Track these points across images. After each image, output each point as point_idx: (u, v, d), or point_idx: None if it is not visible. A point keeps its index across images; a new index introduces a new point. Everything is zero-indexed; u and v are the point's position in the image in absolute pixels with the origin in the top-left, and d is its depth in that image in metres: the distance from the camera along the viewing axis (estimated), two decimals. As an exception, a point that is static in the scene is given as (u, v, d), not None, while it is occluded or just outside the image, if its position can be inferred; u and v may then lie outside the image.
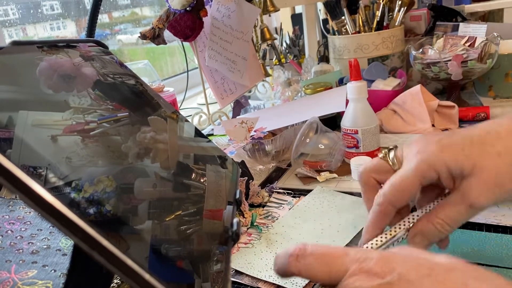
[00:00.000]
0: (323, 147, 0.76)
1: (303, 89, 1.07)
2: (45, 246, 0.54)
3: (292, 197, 0.71)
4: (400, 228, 0.39)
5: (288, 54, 1.45)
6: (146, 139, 0.39)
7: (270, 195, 0.72)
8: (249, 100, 1.26)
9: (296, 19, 1.66)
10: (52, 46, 0.38)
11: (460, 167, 0.36)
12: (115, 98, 0.41)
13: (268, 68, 1.23)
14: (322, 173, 0.76)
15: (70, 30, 1.36)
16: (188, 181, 0.41)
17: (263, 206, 0.69)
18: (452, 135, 0.38)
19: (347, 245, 0.55)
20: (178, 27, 0.91)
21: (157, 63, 1.66)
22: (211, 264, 0.36)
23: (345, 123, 0.78)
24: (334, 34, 1.17)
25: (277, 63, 1.33)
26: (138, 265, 0.23)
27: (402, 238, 0.39)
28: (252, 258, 0.55)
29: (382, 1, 1.09)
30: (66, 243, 0.55)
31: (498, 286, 0.24)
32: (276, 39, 1.30)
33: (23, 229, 0.57)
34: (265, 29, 1.19)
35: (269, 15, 1.23)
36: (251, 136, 0.80)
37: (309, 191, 0.71)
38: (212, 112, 1.05)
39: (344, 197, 0.68)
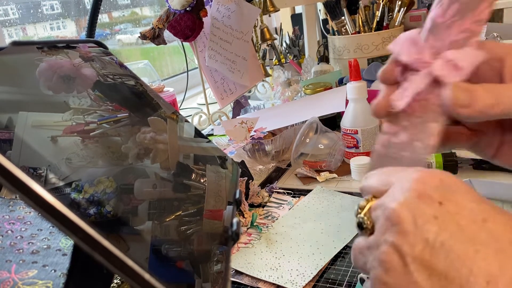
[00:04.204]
0: (323, 147, 0.76)
1: (303, 89, 1.07)
2: (45, 246, 0.54)
3: (292, 197, 0.71)
4: None
5: (288, 54, 1.45)
6: (146, 140, 0.39)
7: (270, 195, 0.72)
8: (249, 100, 1.26)
9: (296, 19, 1.66)
10: (52, 46, 0.38)
11: None
12: (115, 99, 0.41)
13: (268, 68, 1.23)
14: (322, 173, 0.76)
15: (70, 30, 1.36)
16: (188, 181, 0.41)
17: (263, 206, 0.69)
18: None
19: (347, 245, 0.55)
20: (178, 27, 0.91)
21: (157, 63, 1.66)
22: (211, 264, 0.36)
23: (345, 123, 0.78)
24: (334, 34, 1.17)
25: (277, 63, 1.33)
26: (138, 265, 0.23)
27: None
28: (252, 258, 0.55)
29: (382, 1, 1.09)
30: (66, 243, 0.55)
31: None
32: (276, 39, 1.30)
33: (23, 229, 0.57)
34: (265, 29, 1.19)
35: (269, 15, 1.23)
36: (251, 136, 0.80)
37: (309, 191, 0.71)
38: (212, 112, 1.05)
39: (344, 197, 0.68)
